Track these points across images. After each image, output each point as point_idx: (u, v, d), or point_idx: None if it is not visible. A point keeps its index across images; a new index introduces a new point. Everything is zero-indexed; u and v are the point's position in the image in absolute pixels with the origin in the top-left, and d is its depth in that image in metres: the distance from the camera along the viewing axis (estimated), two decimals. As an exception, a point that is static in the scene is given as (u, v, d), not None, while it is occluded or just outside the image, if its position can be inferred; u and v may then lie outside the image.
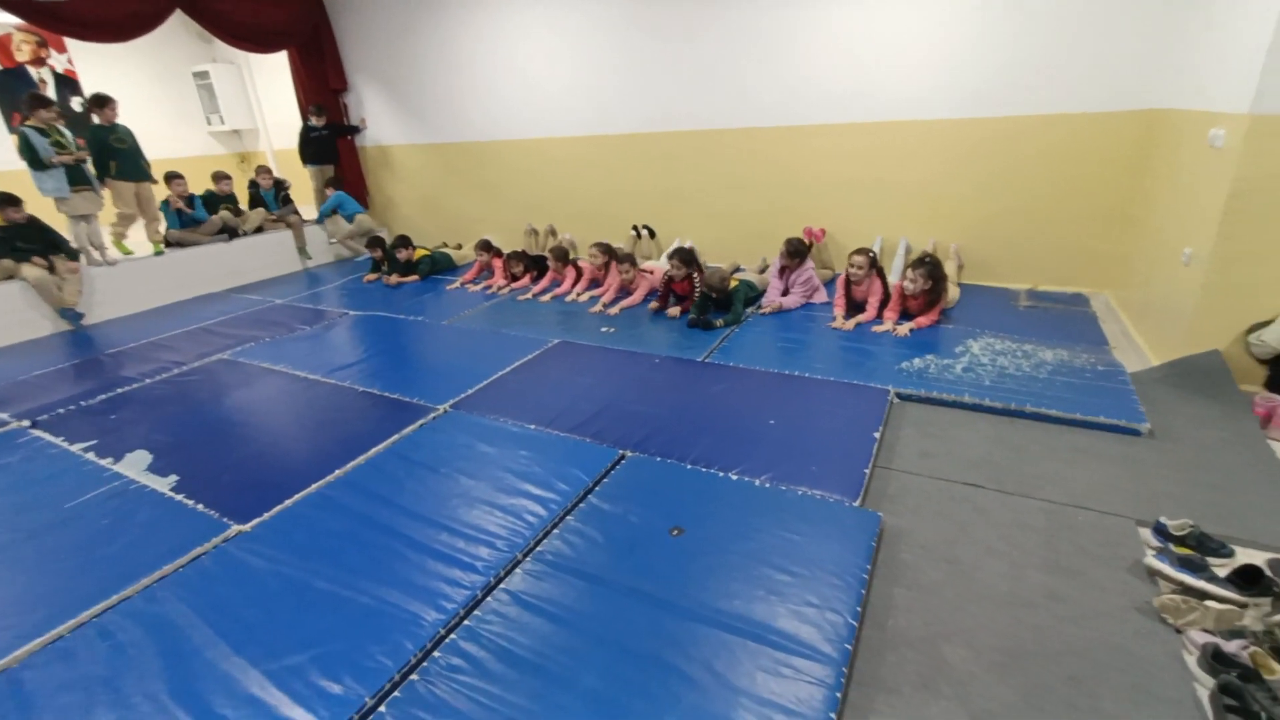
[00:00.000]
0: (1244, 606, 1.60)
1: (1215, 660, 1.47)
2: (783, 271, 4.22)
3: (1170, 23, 3.59)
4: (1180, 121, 3.36)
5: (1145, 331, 3.37)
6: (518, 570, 1.96)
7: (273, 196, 6.27)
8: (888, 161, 4.57)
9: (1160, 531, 1.92)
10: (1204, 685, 1.48)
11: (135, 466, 2.73)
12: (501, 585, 1.90)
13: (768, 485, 2.30)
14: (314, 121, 6.45)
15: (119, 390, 3.56)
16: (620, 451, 2.58)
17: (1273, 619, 1.54)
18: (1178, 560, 1.74)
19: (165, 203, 5.56)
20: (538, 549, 2.04)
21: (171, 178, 5.59)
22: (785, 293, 4.16)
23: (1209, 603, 1.61)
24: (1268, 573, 1.67)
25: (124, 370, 3.87)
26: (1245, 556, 1.86)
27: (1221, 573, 1.73)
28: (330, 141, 6.68)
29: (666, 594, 1.83)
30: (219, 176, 6.02)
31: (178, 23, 5.91)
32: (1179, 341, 2.95)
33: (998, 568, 1.94)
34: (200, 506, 2.41)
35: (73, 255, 4.77)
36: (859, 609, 1.73)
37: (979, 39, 4.06)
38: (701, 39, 4.87)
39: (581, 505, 2.25)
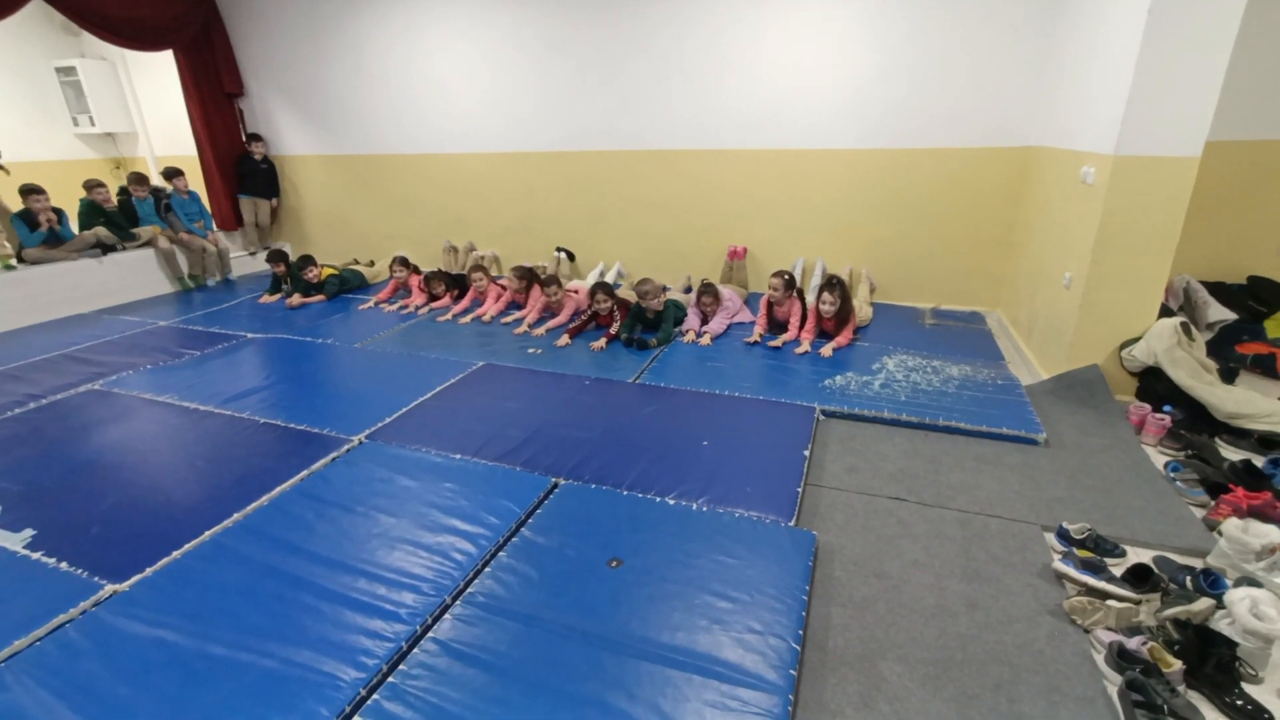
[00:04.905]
0: (1138, 603, 1.75)
1: (1120, 658, 1.59)
2: (702, 311, 4.25)
3: (1042, 71, 4.02)
4: (1054, 159, 3.74)
5: (1034, 347, 3.69)
6: (447, 616, 1.82)
7: (151, 208, 5.64)
8: (801, 186, 4.80)
9: (1063, 536, 2.08)
10: (1112, 682, 1.60)
11: (-23, 521, 2.33)
12: (429, 634, 1.76)
13: (705, 509, 2.29)
14: (256, 152, 6.27)
15: (-44, 430, 3.06)
16: (553, 479, 2.49)
17: (1163, 614, 1.69)
18: (1080, 563, 1.88)
19: (18, 216, 4.87)
20: (468, 591, 1.91)
21: (30, 192, 4.87)
22: (704, 321, 4.21)
23: (1110, 602, 1.75)
24: (1156, 570, 1.84)
25: (-37, 406, 3.33)
26: (1134, 555, 2.05)
27: (1117, 572, 1.89)
28: (273, 173, 6.44)
29: (607, 631, 1.76)
30: (92, 185, 5.33)
31: (36, 10, 5.27)
32: (1063, 357, 3.25)
33: (922, 579, 2.02)
34: (63, 565, 2.08)
35: None
36: (800, 632, 1.73)
37: (878, 77, 4.36)
38: (624, 64, 4.93)
39: (514, 539, 2.14)
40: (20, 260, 4.86)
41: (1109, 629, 1.71)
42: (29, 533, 2.26)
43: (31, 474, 2.66)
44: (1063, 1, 3.83)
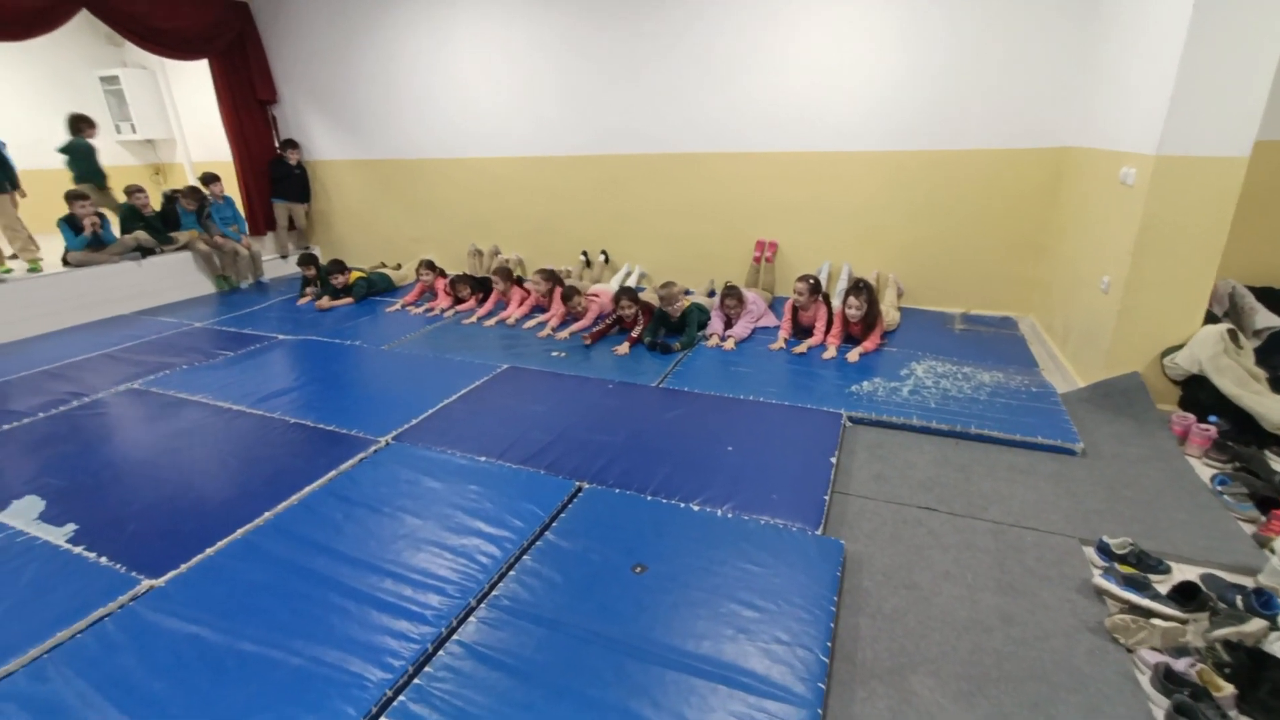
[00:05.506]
0: (1185, 623, 1.68)
1: (1167, 680, 1.52)
2: (725, 314, 4.21)
3: (1077, 70, 3.91)
4: (1089, 159, 3.64)
5: (1069, 354, 3.59)
6: (471, 619, 1.82)
7: (194, 218, 5.79)
8: (828, 189, 4.74)
9: (1103, 550, 2.00)
10: (1158, 705, 1.53)
11: (23, 515, 2.41)
12: (454, 636, 1.76)
13: (730, 515, 2.26)
14: (290, 158, 6.39)
15: (3, 427, 3.17)
16: (577, 483, 2.49)
17: (1212, 635, 1.62)
18: (1123, 579, 1.81)
19: (64, 220, 5.05)
20: (492, 594, 1.92)
21: (76, 197, 5.06)
22: (728, 325, 4.17)
23: (1155, 621, 1.68)
24: (1204, 589, 1.76)
25: (10, 404, 3.45)
26: (1179, 572, 1.97)
27: (1162, 590, 1.81)
28: (305, 178, 6.58)
29: (631, 637, 1.74)
30: (132, 190, 5.51)
31: (82, 22, 5.46)
32: (1100, 364, 3.15)
33: (954, 591, 1.97)
34: (103, 559, 2.14)
35: None
36: (829, 644, 1.70)
37: (907, 77, 4.29)
38: (649, 67, 4.93)
39: (538, 543, 2.14)
40: (65, 263, 5.04)
41: (1154, 649, 1.64)
42: (71, 527, 2.33)
43: (74, 470, 2.74)
44: (1100, -2, 3.74)
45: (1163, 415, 2.91)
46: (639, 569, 2.01)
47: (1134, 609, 1.76)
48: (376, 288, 5.56)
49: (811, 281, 3.91)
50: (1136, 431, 2.83)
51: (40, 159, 6.95)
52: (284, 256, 6.58)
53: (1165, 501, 2.36)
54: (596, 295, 4.57)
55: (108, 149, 7.51)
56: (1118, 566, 1.91)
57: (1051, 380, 3.33)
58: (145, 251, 5.39)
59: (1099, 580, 1.85)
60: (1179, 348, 2.89)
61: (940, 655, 1.73)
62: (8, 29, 4.67)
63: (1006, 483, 2.52)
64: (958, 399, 3.10)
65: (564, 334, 4.27)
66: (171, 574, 2.05)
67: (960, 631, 1.80)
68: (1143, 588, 1.78)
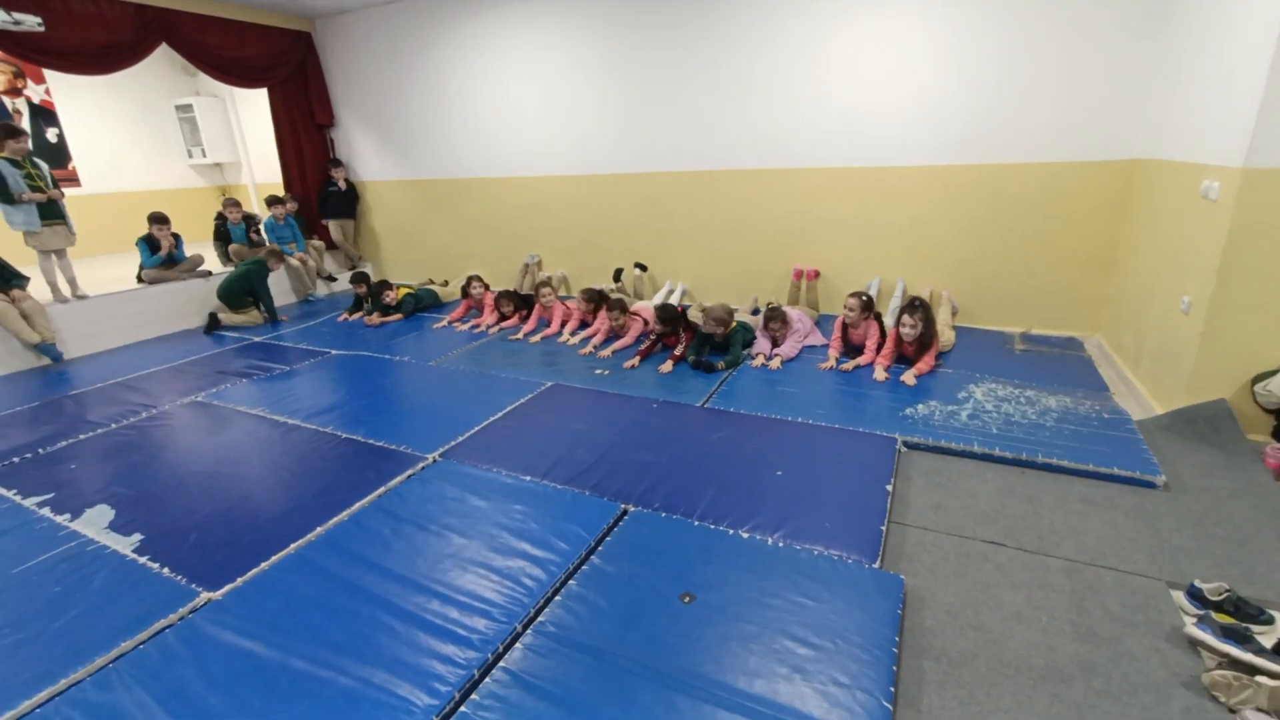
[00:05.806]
0: (1297, 683, 1.51)
1: (1281, 749, 1.37)
2: (771, 336, 4.11)
3: (1146, 78, 3.72)
4: (1166, 172, 3.43)
5: (1144, 377, 3.37)
6: (518, 645, 1.79)
7: (242, 232, 6.07)
8: (878, 205, 4.62)
9: (1195, 596, 1.84)
10: (1271, 777, 1.38)
11: (95, 524, 2.52)
12: (501, 663, 1.73)
13: (781, 544, 2.18)
14: (336, 177, 6.67)
15: (81, 436, 3.34)
16: (623, 506, 2.44)
17: (1331, 698, 1.45)
18: (1220, 630, 1.65)
19: (143, 240, 5.36)
20: (538, 619, 1.88)
21: (157, 220, 5.38)
22: (774, 345, 4.08)
23: (1261, 679, 1.52)
24: (1318, 645, 1.59)
25: (89, 413, 3.64)
26: (1285, 623, 1.79)
27: (1266, 642, 1.64)
28: (349, 196, 6.83)
29: (680, 671, 1.68)
30: (230, 204, 5.95)
31: (162, 55, 5.84)
32: (1181, 389, 2.94)
33: (1027, 636, 1.83)
34: (165, 570, 2.20)
35: (21, 283, 4.51)
36: (891, 689, 1.60)
37: (960, 88, 4.17)
38: (691, 83, 4.93)
39: (584, 567, 2.11)
40: (139, 279, 5.34)
41: (1260, 710, 1.48)
42: (137, 537, 2.41)
43: (141, 480, 2.86)
44: (1171, 2, 3.55)
45: (1255, 446, 2.69)
46: (687, 598, 1.94)
47: (1234, 663, 1.60)
48: (424, 304, 5.68)
49: (864, 298, 3.79)
50: (1225, 463, 2.61)
51: (121, 182, 7.42)
52: (329, 278, 6.70)
53: (1263, 542, 2.16)
54: (638, 314, 4.55)
55: (179, 173, 8.00)
56: (1213, 614, 1.75)
57: (1125, 405, 3.12)
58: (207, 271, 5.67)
59: (1192, 630, 1.70)
60: (1273, 373, 2.67)
61: (1015, 705, 1.61)
62: (88, 64, 5.01)
63: (1080, 516, 2.36)
64: (1021, 424, 2.94)
65: (607, 352, 4.26)
66: (228, 587, 2.09)
67: (1036, 681, 1.67)
68: (1244, 640, 1.62)
